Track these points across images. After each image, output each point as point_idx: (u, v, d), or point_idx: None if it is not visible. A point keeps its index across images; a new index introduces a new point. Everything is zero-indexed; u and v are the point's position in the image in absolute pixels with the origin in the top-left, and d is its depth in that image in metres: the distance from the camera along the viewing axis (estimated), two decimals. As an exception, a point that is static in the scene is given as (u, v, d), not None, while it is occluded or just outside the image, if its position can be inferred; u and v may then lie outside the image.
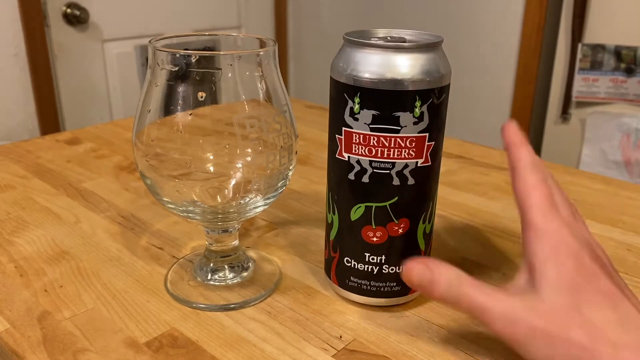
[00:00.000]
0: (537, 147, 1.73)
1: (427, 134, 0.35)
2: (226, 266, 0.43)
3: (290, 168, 0.40)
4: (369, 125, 0.34)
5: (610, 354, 0.28)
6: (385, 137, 0.34)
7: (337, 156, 0.36)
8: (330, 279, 0.41)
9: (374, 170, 0.35)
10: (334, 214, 0.38)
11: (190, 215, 0.39)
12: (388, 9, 1.93)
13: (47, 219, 0.52)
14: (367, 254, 0.38)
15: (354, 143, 0.35)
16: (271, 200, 0.40)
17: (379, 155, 0.35)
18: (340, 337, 0.37)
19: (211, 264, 0.42)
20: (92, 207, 0.54)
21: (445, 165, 0.67)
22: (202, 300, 0.40)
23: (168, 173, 0.37)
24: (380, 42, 0.34)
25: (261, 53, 0.37)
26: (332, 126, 0.37)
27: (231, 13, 2.06)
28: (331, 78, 0.36)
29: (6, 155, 0.67)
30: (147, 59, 0.38)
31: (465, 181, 0.62)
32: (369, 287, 0.38)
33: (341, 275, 0.39)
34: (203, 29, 1.97)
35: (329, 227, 0.40)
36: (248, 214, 0.40)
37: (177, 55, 0.35)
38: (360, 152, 0.35)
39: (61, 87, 1.65)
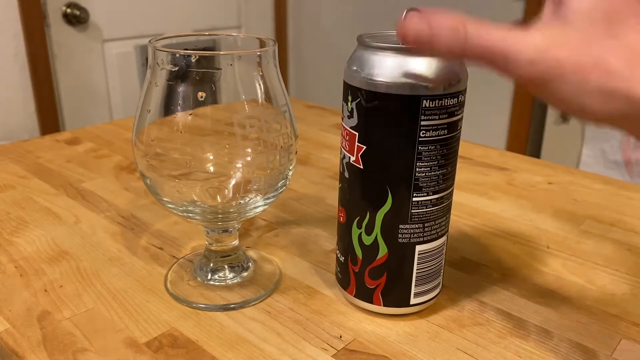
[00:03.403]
0: (537, 147, 1.73)
1: (357, 134, 0.35)
2: (226, 266, 0.43)
3: (290, 168, 0.40)
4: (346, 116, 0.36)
5: None
6: (343, 126, 0.36)
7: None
8: (372, 302, 0.39)
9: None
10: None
11: (190, 215, 0.39)
12: (388, 9, 1.93)
13: (47, 219, 0.52)
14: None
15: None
16: (271, 200, 0.40)
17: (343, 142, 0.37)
18: (340, 337, 0.37)
19: (211, 264, 0.42)
20: (92, 207, 0.54)
21: (445, 165, 0.67)
22: (202, 300, 0.40)
23: (168, 173, 0.37)
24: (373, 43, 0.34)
25: (261, 53, 0.37)
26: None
27: (231, 13, 2.06)
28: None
29: (6, 155, 0.67)
30: (147, 59, 0.38)
31: (465, 181, 0.62)
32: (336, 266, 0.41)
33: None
34: (203, 29, 1.97)
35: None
36: (248, 214, 0.40)
37: (177, 55, 0.35)
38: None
39: (61, 87, 1.65)
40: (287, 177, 0.40)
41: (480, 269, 0.45)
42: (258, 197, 0.39)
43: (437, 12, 0.28)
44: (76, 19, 1.62)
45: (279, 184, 0.39)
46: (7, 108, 1.55)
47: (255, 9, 2.13)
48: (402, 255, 0.36)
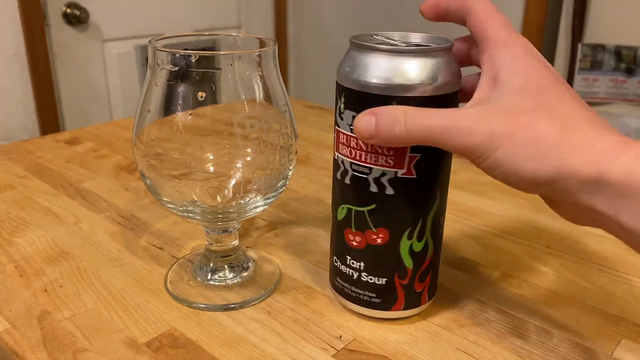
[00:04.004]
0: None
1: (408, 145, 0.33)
2: (226, 266, 0.43)
3: (290, 168, 0.40)
4: (349, 126, 0.34)
5: (584, 145, 0.27)
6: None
7: (334, 152, 0.37)
8: (420, 305, 0.39)
9: (354, 172, 0.35)
10: (332, 212, 0.39)
11: (190, 215, 0.39)
12: (388, 9, 1.93)
13: (47, 219, 0.52)
14: (348, 257, 0.37)
15: (340, 142, 0.35)
16: (271, 200, 0.40)
17: (357, 158, 0.34)
18: (340, 337, 0.37)
19: (211, 264, 0.42)
20: (92, 207, 0.54)
21: (445, 165, 0.67)
22: (202, 300, 0.40)
23: (168, 173, 0.37)
24: (381, 46, 0.33)
25: (261, 53, 0.37)
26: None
27: (231, 13, 2.06)
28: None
29: (6, 155, 0.67)
30: (147, 59, 0.38)
31: (465, 181, 0.62)
32: (349, 291, 0.38)
33: (332, 274, 0.40)
34: (203, 29, 1.97)
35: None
36: (248, 214, 0.40)
37: (177, 55, 0.35)
38: (343, 153, 0.35)
39: (61, 87, 1.65)
40: (287, 177, 0.40)
41: (480, 269, 0.45)
42: (258, 197, 0.39)
43: (383, 107, 0.31)
44: (76, 19, 1.63)
45: (279, 184, 0.39)
46: (7, 108, 1.55)
47: (255, 9, 2.13)
48: (439, 245, 0.38)
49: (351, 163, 0.35)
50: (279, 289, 0.42)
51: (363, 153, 0.34)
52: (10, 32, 1.51)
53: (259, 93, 0.37)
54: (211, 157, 0.38)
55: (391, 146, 0.32)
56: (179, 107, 0.36)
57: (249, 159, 0.37)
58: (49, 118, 1.63)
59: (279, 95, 0.38)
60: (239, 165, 0.38)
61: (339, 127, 0.35)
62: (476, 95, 0.31)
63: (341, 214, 0.37)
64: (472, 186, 0.61)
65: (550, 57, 1.65)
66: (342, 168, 0.36)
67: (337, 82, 0.35)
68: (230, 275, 0.42)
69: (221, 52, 0.38)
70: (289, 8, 2.22)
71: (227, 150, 0.37)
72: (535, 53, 0.30)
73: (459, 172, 0.65)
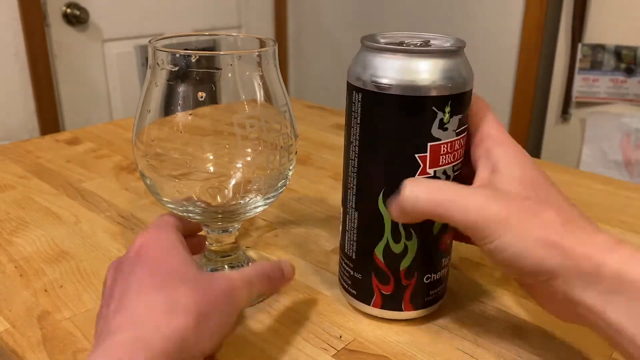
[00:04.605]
0: (537, 147, 1.73)
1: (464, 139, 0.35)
2: (226, 266, 0.42)
3: (290, 168, 0.39)
4: (455, 131, 0.34)
5: (585, 239, 0.28)
6: (463, 138, 0.34)
7: (427, 170, 0.34)
8: (401, 308, 0.37)
9: (455, 174, 0.35)
10: (409, 240, 0.35)
11: (190, 215, 0.39)
12: (388, 9, 1.93)
13: (47, 219, 0.52)
14: (443, 260, 0.37)
15: (442, 154, 0.33)
16: (271, 200, 0.40)
17: (459, 157, 0.35)
18: (340, 337, 0.37)
19: (211, 264, 0.42)
20: (92, 207, 0.54)
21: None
22: (202, 300, 0.40)
23: (168, 173, 0.37)
24: (441, 48, 0.33)
25: (261, 53, 0.37)
26: (401, 149, 0.33)
27: (231, 13, 2.06)
28: (399, 99, 0.32)
29: (6, 155, 0.67)
30: (147, 59, 0.38)
31: (465, 181, 0.62)
32: (435, 295, 0.38)
33: (419, 296, 0.37)
34: (203, 29, 1.97)
35: (397, 258, 0.36)
36: (248, 214, 0.40)
37: (177, 55, 0.35)
38: (447, 161, 0.34)
39: (61, 87, 1.65)
40: (287, 177, 0.40)
41: (480, 269, 0.45)
42: (258, 197, 0.39)
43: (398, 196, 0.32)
44: (76, 19, 1.63)
45: (279, 184, 0.39)
46: (7, 108, 1.55)
47: (255, 9, 2.13)
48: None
49: (454, 166, 0.35)
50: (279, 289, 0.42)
51: (462, 149, 0.35)
52: (10, 32, 1.51)
53: (259, 93, 0.37)
54: (211, 157, 0.38)
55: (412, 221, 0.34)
56: (179, 107, 0.36)
57: (249, 159, 0.37)
58: (49, 118, 1.63)
59: (279, 95, 0.38)
60: (239, 165, 0.38)
61: (441, 140, 0.33)
62: (477, 182, 0.33)
63: (438, 224, 0.35)
64: (472, 186, 0.61)
65: (550, 57, 1.65)
66: (443, 179, 0.34)
67: (432, 96, 0.32)
68: (230, 275, 0.42)
69: (221, 52, 0.38)
70: (289, 8, 2.22)
71: (227, 150, 0.37)
72: (525, 153, 0.33)
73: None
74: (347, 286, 0.39)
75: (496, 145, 0.33)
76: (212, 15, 2.00)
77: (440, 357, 0.35)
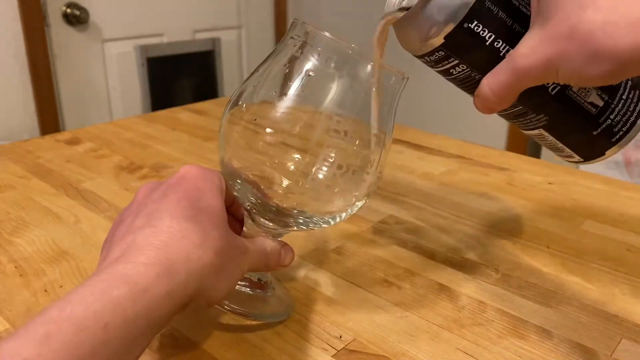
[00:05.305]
0: (537, 147, 1.73)
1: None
2: None
3: (358, 204, 0.37)
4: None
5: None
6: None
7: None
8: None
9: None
10: None
11: (241, 195, 0.36)
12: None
13: (47, 219, 0.52)
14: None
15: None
16: (320, 226, 0.38)
17: None
18: (340, 337, 0.37)
19: None
20: (92, 207, 0.54)
21: (445, 165, 0.67)
22: (202, 300, 0.40)
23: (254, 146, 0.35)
24: None
25: (400, 86, 0.35)
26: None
27: (231, 13, 2.06)
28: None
29: (6, 155, 0.67)
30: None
31: (465, 181, 0.62)
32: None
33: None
34: (203, 28, 1.97)
35: None
36: (291, 227, 0.37)
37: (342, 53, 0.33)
38: None
39: (61, 87, 1.65)
40: (348, 213, 0.37)
41: (480, 269, 0.45)
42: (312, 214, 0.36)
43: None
44: (76, 19, 1.63)
45: (340, 216, 0.37)
46: (7, 108, 1.55)
47: (255, 9, 2.13)
48: None
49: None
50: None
51: None
52: (10, 32, 1.51)
53: (372, 116, 0.35)
54: (296, 157, 0.35)
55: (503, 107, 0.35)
56: (303, 100, 0.34)
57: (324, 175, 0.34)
58: (49, 118, 1.63)
59: (388, 130, 0.36)
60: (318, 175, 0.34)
61: None
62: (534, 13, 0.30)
63: None
64: (472, 186, 0.61)
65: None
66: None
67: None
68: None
69: (386, 66, 0.35)
70: (289, 8, 2.22)
71: (308, 160, 0.34)
72: None
73: (459, 172, 0.65)
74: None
75: None
76: (212, 15, 2.00)
77: (440, 357, 0.35)
